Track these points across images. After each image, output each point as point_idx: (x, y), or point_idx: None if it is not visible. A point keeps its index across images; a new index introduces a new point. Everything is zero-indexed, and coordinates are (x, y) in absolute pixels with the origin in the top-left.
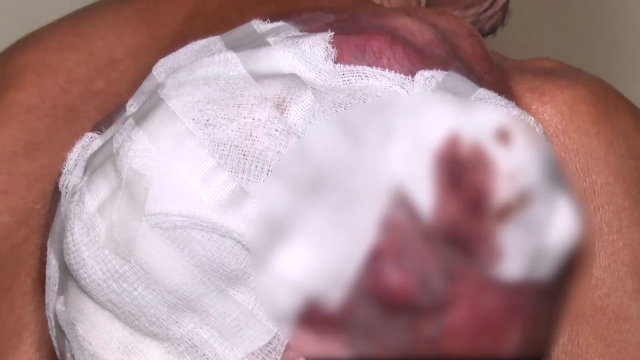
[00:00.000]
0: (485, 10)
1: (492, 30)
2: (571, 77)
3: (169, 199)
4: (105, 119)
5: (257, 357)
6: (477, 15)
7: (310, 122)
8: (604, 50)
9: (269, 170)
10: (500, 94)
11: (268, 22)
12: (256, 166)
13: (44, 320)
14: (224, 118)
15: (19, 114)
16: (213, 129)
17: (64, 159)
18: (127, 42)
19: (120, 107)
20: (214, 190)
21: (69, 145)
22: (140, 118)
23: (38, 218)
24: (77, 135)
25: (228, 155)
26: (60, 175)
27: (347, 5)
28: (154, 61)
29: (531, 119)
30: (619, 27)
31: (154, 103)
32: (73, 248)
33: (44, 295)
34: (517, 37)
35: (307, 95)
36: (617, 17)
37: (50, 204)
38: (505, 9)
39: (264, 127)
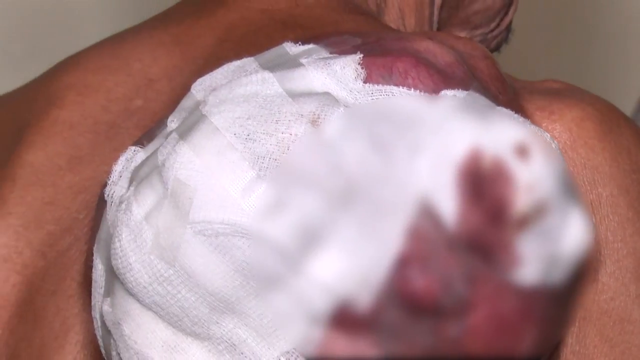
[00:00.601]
0: (492, 30)
1: (497, 48)
2: (577, 97)
3: (212, 207)
4: (146, 134)
5: (291, 355)
6: (484, 35)
7: (344, 137)
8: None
9: (306, 182)
10: (514, 112)
11: (299, 44)
12: (295, 178)
13: (87, 321)
14: (263, 133)
15: (63, 130)
16: (253, 143)
17: (105, 172)
18: (162, 63)
19: (160, 123)
20: (254, 200)
21: (110, 159)
22: (184, 133)
23: (82, 227)
24: (118, 150)
25: (267, 167)
26: (105, 186)
27: (369, 29)
28: (188, 81)
29: (547, 135)
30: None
31: (197, 119)
32: (121, 253)
33: (88, 298)
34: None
35: (340, 112)
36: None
37: (95, 213)
38: (509, 28)
39: (301, 142)
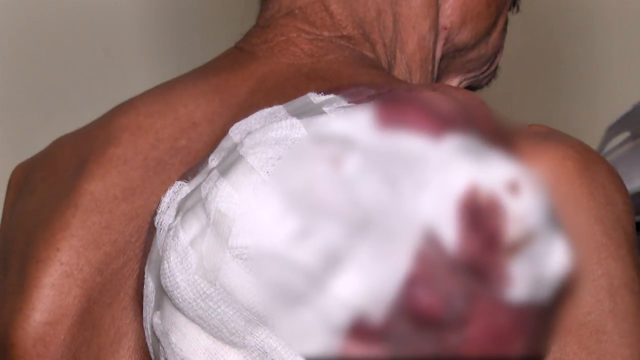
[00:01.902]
0: (483, 72)
1: (487, 83)
2: (559, 140)
3: (248, 235)
4: (190, 170)
5: (313, 358)
6: (476, 77)
7: (360, 175)
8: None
9: (329, 213)
10: (506, 153)
11: (322, 94)
12: (319, 210)
13: (138, 330)
14: (292, 171)
15: (118, 165)
16: (283, 180)
17: (155, 202)
18: (204, 109)
19: (202, 161)
20: (284, 229)
21: (159, 191)
22: (224, 170)
23: (134, 249)
24: (165, 183)
25: (295, 201)
26: (155, 214)
27: (381, 82)
28: (226, 125)
29: (534, 173)
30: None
31: (235, 158)
32: (169, 273)
33: (139, 310)
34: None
35: (357, 154)
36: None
37: (146, 238)
38: (496, 67)
39: (324, 179)
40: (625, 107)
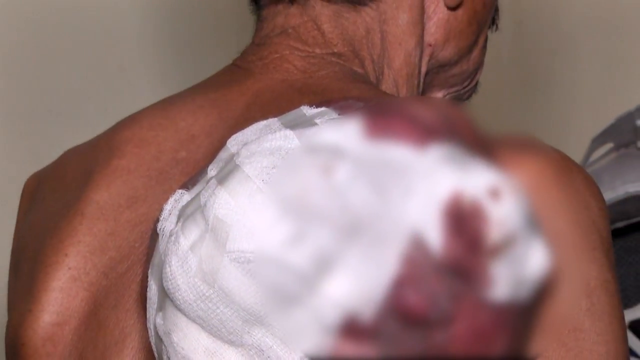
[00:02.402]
0: (464, 87)
1: (468, 98)
2: (539, 149)
3: (244, 240)
4: (190, 179)
5: (307, 357)
6: (458, 91)
7: (350, 182)
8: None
9: (320, 218)
10: (487, 161)
11: (314, 107)
12: (311, 215)
13: (142, 330)
14: (286, 180)
15: (122, 175)
16: (277, 188)
17: (157, 210)
18: (202, 122)
19: (201, 171)
20: (278, 234)
21: (160, 199)
22: (222, 179)
23: (137, 254)
24: (167, 192)
25: (289, 207)
26: (157, 221)
27: (369, 95)
28: (223, 137)
29: (514, 180)
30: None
31: (232, 168)
32: (170, 276)
33: (142, 311)
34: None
35: (348, 162)
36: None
37: (149, 243)
38: (477, 82)
39: (316, 186)
40: (608, 120)
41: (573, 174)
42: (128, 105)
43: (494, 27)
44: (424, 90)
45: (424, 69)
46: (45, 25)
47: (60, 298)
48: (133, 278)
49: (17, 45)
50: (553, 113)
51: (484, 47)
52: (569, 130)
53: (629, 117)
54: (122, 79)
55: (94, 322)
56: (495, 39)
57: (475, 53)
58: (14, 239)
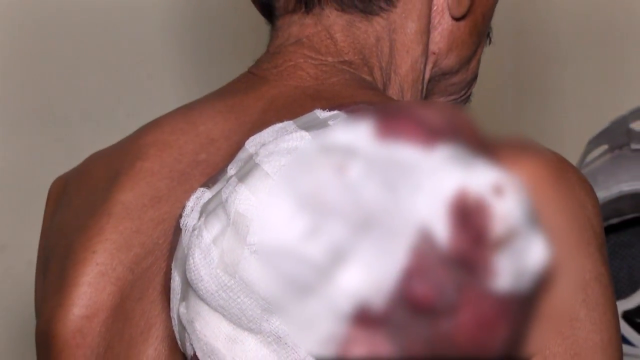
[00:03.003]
0: (461, 96)
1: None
2: (537, 150)
3: (264, 233)
4: (210, 178)
5: (322, 343)
6: (455, 100)
7: (362, 180)
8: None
9: (335, 213)
10: (490, 159)
11: (327, 111)
12: (326, 210)
13: (165, 320)
14: (302, 177)
15: (146, 177)
16: (294, 184)
17: (179, 208)
18: (221, 127)
19: (221, 171)
20: (296, 227)
21: (182, 199)
22: (242, 177)
23: (161, 249)
24: (188, 192)
25: (305, 203)
26: (180, 218)
27: (378, 100)
28: (240, 140)
29: (515, 178)
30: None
31: (251, 167)
32: (194, 268)
33: (166, 303)
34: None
35: (360, 161)
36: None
37: (172, 239)
38: (471, 92)
39: (330, 183)
40: (603, 123)
41: (569, 174)
42: (154, 110)
43: (488, 40)
44: (426, 97)
45: (427, 76)
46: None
47: (89, 292)
48: (157, 272)
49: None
50: (551, 117)
51: (480, 59)
52: (567, 132)
53: (622, 121)
54: (151, 86)
55: (121, 314)
56: (497, 48)
57: (474, 63)
58: (41, 238)
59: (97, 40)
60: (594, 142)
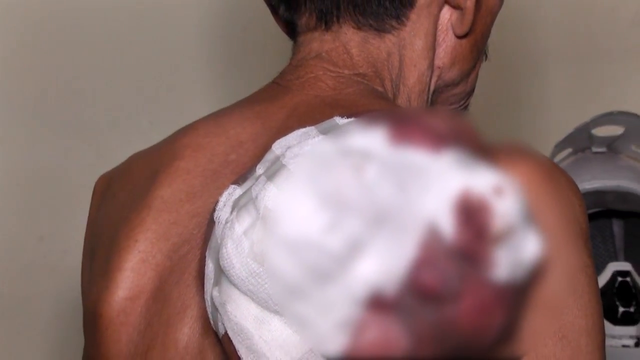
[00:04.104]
0: (460, 106)
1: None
2: (531, 155)
3: (290, 226)
4: (240, 177)
5: (340, 325)
6: (455, 109)
7: (377, 180)
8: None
9: (352, 209)
10: (490, 163)
11: (345, 118)
12: (345, 207)
13: (199, 302)
14: (324, 177)
15: (182, 175)
16: (317, 183)
17: (212, 203)
18: (249, 131)
19: (250, 170)
20: (318, 222)
21: (215, 195)
22: (270, 176)
23: (196, 239)
24: (220, 189)
25: (327, 200)
26: (213, 211)
27: (388, 108)
28: (266, 143)
29: (513, 180)
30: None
31: (279, 167)
32: (226, 257)
33: (200, 287)
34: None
35: (375, 163)
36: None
37: (206, 230)
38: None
39: (349, 183)
40: (568, 129)
41: (559, 177)
42: (175, 119)
43: (484, 56)
44: (430, 106)
45: (432, 87)
46: (112, 56)
47: (132, 277)
48: (192, 259)
49: (88, 70)
50: (522, 124)
51: (478, 73)
52: (537, 137)
53: (584, 127)
54: (170, 97)
55: (160, 296)
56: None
57: (472, 77)
58: (87, 229)
59: (125, 56)
60: (560, 146)
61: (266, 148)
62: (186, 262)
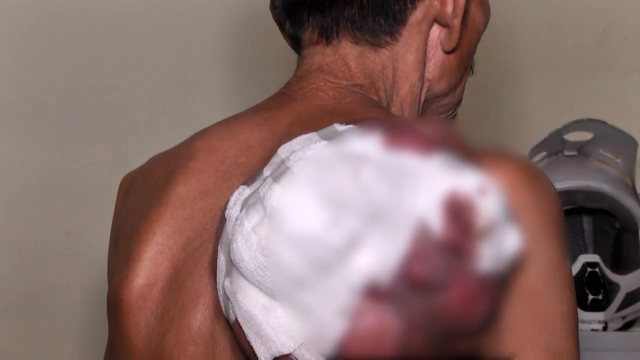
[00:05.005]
0: (448, 115)
1: None
2: (513, 157)
3: (294, 223)
4: (249, 178)
5: (339, 312)
6: (444, 117)
7: (373, 181)
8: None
9: (350, 208)
10: (476, 165)
11: (344, 125)
12: (344, 205)
13: (211, 290)
14: (325, 179)
15: (196, 174)
16: (319, 185)
17: (223, 201)
18: (257, 136)
19: (258, 172)
20: (319, 219)
21: (226, 193)
22: (276, 178)
23: (208, 234)
24: (230, 188)
25: (327, 200)
26: (224, 209)
27: (383, 116)
28: (273, 147)
29: (496, 181)
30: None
31: (284, 169)
32: (237, 250)
33: (211, 276)
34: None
35: (371, 166)
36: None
37: (217, 226)
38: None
39: (347, 184)
40: (543, 135)
41: (538, 177)
42: (187, 124)
43: (471, 71)
44: (421, 114)
45: (422, 98)
46: (131, 67)
47: (150, 266)
48: (204, 251)
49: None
50: (504, 129)
51: (464, 86)
52: (515, 142)
53: (557, 133)
54: (183, 105)
55: (175, 284)
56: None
57: (459, 89)
58: (113, 222)
59: (146, 70)
60: (535, 150)
61: (272, 152)
62: (199, 254)
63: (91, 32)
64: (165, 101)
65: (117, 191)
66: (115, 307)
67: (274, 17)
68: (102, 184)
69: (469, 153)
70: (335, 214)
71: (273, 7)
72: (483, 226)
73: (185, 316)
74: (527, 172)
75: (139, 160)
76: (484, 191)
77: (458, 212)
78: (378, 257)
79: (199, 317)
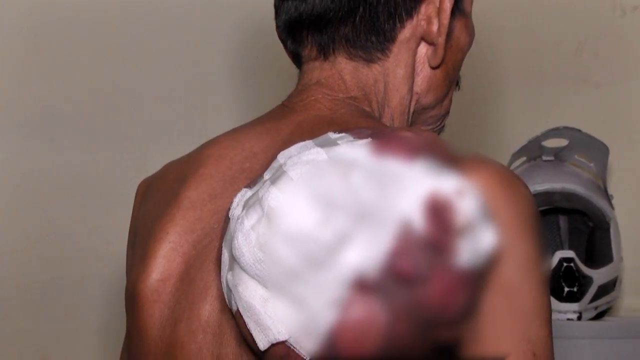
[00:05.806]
0: (437, 126)
1: (438, 134)
2: (491, 163)
3: (289, 222)
4: (252, 182)
5: (330, 303)
6: (432, 129)
7: (362, 184)
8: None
9: (340, 208)
10: (456, 170)
11: (337, 133)
12: (334, 205)
13: (218, 284)
14: (317, 182)
15: (206, 179)
16: (312, 187)
17: (229, 202)
18: (261, 144)
19: (259, 176)
20: (312, 218)
21: (232, 196)
22: (274, 180)
23: (216, 233)
24: (236, 191)
25: (320, 201)
26: (229, 210)
27: (374, 126)
28: (275, 153)
29: (474, 184)
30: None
31: (280, 173)
32: (237, 247)
33: (218, 271)
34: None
35: (360, 171)
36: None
37: (223, 225)
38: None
39: (338, 186)
40: (522, 141)
41: (514, 181)
42: (198, 133)
43: (457, 87)
44: (410, 125)
45: (411, 110)
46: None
47: (163, 263)
48: (212, 249)
49: (125, 91)
50: (487, 137)
51: (451, 99)
52: (497, 148)
53: (536, 140)
54: (195, 115)
55: (186, 279)
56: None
57: (446, 102)
58: (131, 223)
59: (160, 83)
60: (516, 155)
61: (275, 158)
62: (208, 252)
63: (109, 41)
64: (178, 112)
65: (134, 195)
66: (133, 300)
67: (278, 36)
68: (120, 188)
69: (450, 159)
70: (327, 213)
71: (277, 26)
72: (461, 225)
73: (195, 307)
74: (504, 177)
75: (153, 165)
76: (462, 193)
77: (438, 212)
78: (366, 252)
79: (208, 308)
